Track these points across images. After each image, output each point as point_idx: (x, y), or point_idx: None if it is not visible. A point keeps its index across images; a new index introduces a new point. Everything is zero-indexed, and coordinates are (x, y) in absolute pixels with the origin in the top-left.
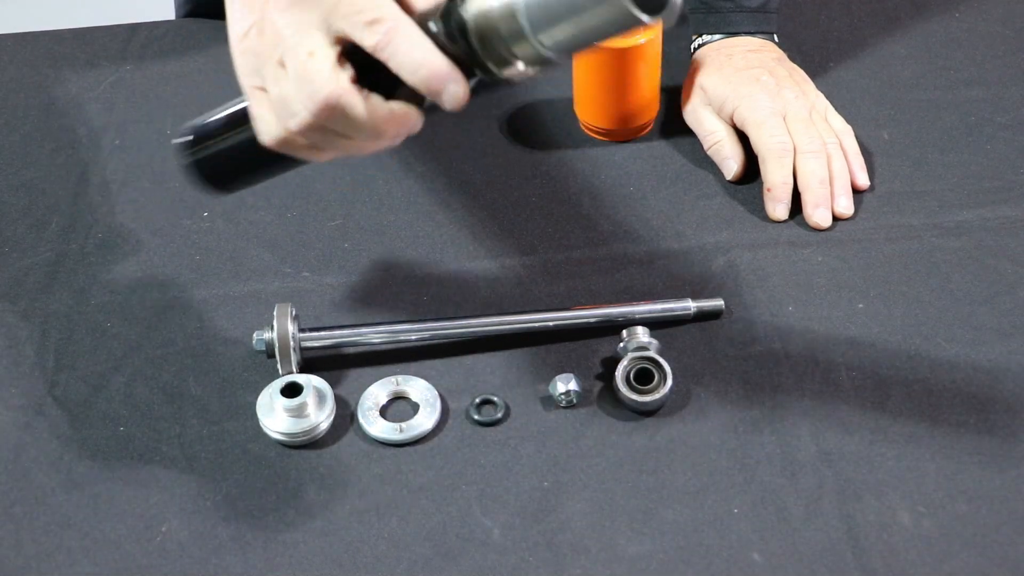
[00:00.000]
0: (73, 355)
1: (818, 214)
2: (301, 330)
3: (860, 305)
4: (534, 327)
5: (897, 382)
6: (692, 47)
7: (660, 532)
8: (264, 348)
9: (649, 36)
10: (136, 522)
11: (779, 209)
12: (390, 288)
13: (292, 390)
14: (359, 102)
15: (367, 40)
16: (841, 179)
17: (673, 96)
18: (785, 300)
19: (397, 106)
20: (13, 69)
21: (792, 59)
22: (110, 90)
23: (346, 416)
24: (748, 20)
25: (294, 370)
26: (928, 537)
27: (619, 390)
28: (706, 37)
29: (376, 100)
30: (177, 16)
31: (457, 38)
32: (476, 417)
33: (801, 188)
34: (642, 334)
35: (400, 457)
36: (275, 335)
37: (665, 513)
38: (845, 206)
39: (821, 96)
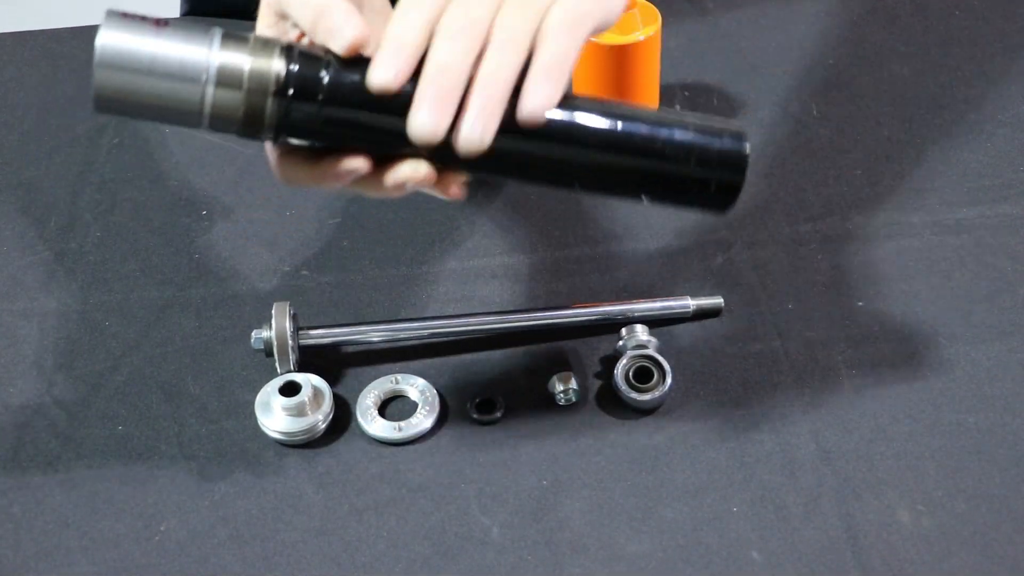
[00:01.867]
0: (71, 354)
1: (419, 118)
2: (299, 329)
3: (860, 303)
4: (533, 326)
5: (897, 381)
6: None
7: (659, 531)
8: (262, 347)
9: (648, 32)
10: (135, 521)
11: (377, 74)
12: (389, 287)
13: (290, 389)
14: None
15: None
16: (486, 88)
17: (673, 94)
18: (785, 298)
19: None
20: (12, 68)
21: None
22: None
23: (345, 415)
24: None
25: (292, 369)
26: (927, 536)
27: (618, 388)
28: None
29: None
30: (180, 14)
31: None
32: (475, 416)
33: (420, 80)
34: (641, 332)
35: (399, 456)
36: (273, 334)
37: (664, 512)
38: (469, 131)
39: None
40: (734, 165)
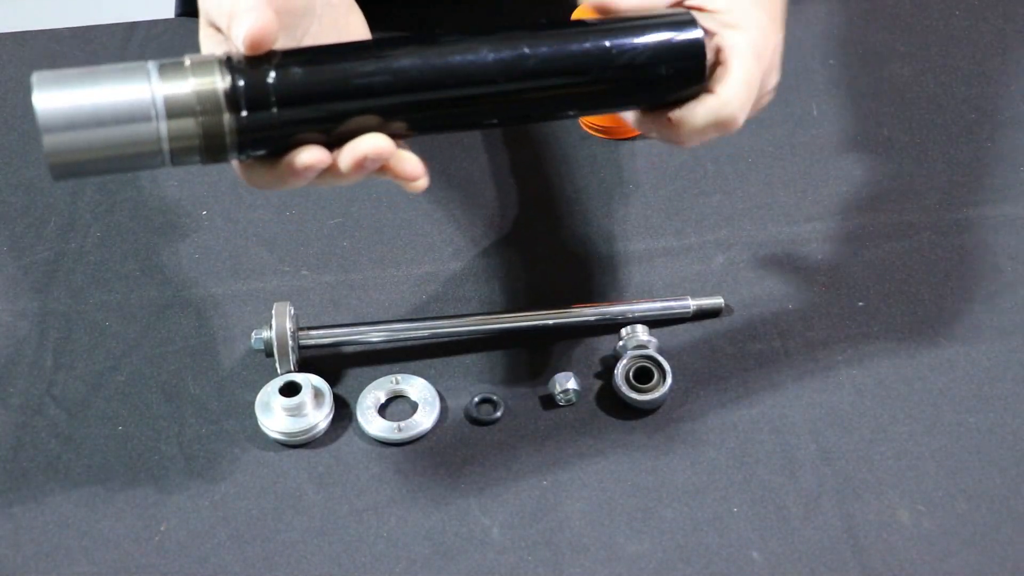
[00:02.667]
0: (72, 354)
1: None
2: (300, 329)
3: (860, 303)
4: (533, 326)
5: (897, 381)
6: None
7: (659, 531)
8: (263, 347)
9: None
10: (135, 521)
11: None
12: (389, 286)
13: (290, 389)
14: None
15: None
16: None
17: None
18: (785, 298)
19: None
20: (12, 68)
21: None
22: None
23: (345, 415)
24: None
25: (292, 369)
26: (928, 536)
27: (618, 389)
28: None
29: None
30: (176, 15)
31: None
32: (475, 416)
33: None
34: (641, 332)
35: (399, 456)
36: (273, 334)
37: (664, 512)
38: None
39: None
40: (694, 53)
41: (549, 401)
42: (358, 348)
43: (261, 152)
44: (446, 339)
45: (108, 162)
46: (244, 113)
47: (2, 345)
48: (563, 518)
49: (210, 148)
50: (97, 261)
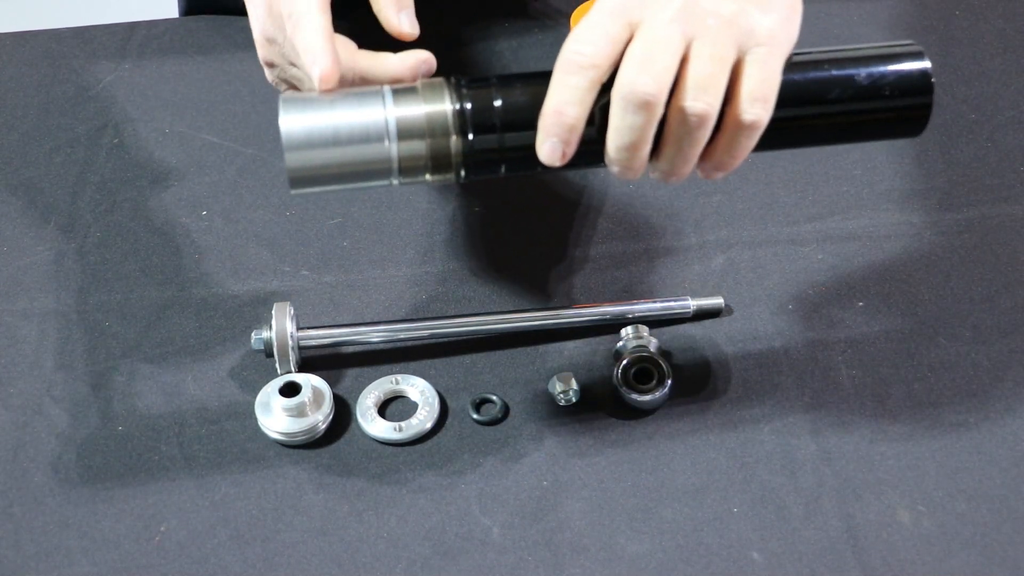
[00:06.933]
0: (71, 354)
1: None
2: (299, 329)
3: (860, 303)
4: (533, 326)
5: (897, 381)
6: None
7: (659, 531)
8: (262, 347)
9: None
10: (135, 522)
11: (545, 148)
12: (389, 287)
13: (291, 389)
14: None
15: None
16: (675, 174)
17: None
18: (785, 298)
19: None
20: (12, 68)
21: None
22: (108, 89)
23: (345, 415)
24: None
25: (292, 369)
26: (928, 536)
27: (618, 389)
28: None
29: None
30: (180, 13)
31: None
32: (475, 416)
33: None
34: (641, 332)
35: (399, 456)
36: (273, 334)
37: (664, 512)
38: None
39: (780, 39)
40: (922, 87)
41: (549, 401)
42: (358, 348)
43: (486, 173)
44: (446, 339)
45: (341, 177)
46: (471, 136)
47: (2, 345)
48: (563, 518)
49: (437, 167)
50: (97, 261)
